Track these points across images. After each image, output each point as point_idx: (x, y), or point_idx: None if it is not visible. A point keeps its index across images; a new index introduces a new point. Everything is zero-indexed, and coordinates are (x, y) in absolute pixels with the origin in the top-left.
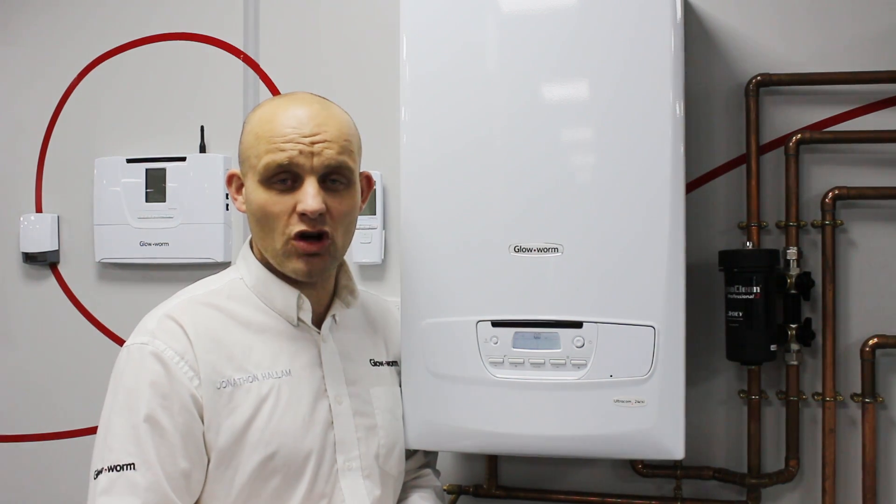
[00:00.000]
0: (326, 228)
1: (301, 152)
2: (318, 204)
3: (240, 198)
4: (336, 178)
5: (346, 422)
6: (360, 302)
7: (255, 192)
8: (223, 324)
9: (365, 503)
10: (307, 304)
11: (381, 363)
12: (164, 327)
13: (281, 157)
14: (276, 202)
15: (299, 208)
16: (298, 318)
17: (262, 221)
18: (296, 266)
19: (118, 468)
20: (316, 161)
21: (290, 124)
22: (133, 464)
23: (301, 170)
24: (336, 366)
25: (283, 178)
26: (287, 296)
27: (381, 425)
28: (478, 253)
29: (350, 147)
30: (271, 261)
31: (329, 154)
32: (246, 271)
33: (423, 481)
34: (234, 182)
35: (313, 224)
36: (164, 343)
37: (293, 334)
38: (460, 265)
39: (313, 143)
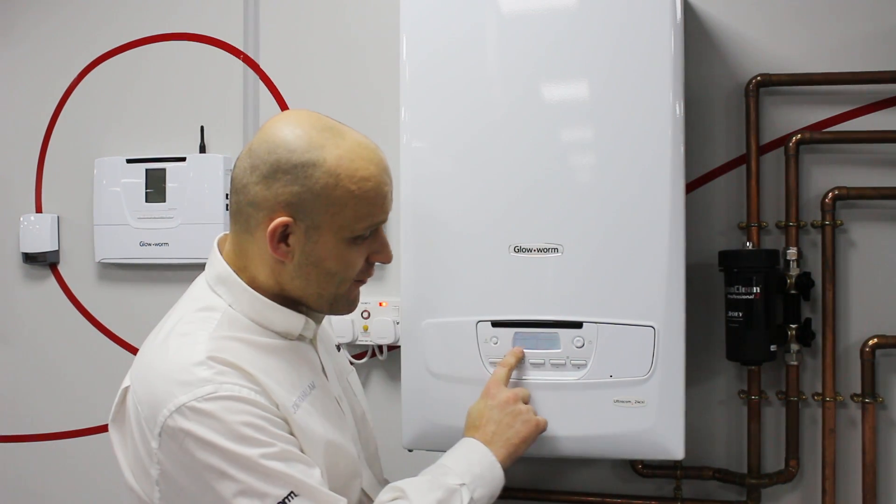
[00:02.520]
0: None
1: (390, 207)
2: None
3: (282, 246)
4: None
5: (349, 418)
6: None
7: (340, 250)
8: (253, 353)
9: (378, 491)
10: (311, 325)
11: (339, 347)
12: (220, 370)
13: (384, 217)
14: (360, 256)
15: (382, 259)
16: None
17: (338, 274)
18: (355, 303)
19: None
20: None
21: (384, 180)
22: (292, 492)
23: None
24: (331, 367)
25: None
26: (290, 320)
27: (366, 410)
28: (478, 253)
29: None
30: (319, 304)
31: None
32: (233, 299)
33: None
34: (281, 230)
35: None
36: (233, 384)
37: (296, 347)
38: (460, 265)
39: (391, 195)
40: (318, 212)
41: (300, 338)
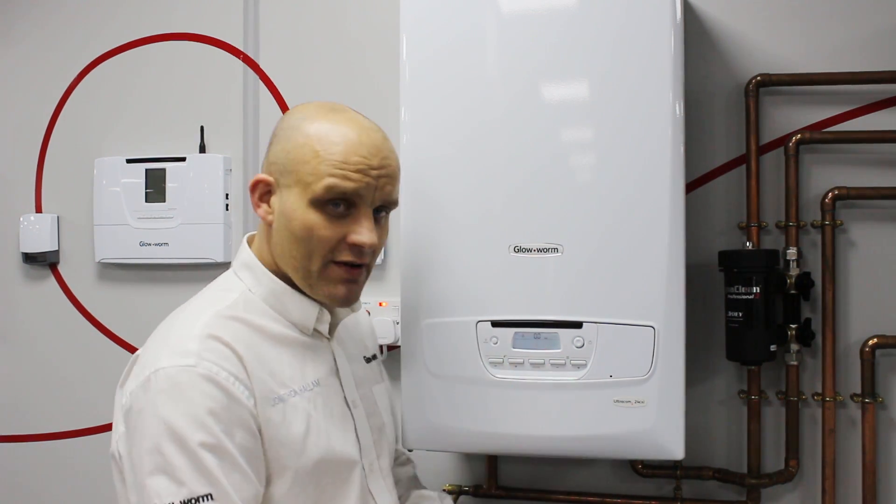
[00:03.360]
0: (367, 260)
1: (367, 185)
2: (375, 238)
3: (264, 206)
4: (383, 209)
5: (363, 425)
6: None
7: (303, 212)
8: (255, 339)
9: (390, 501)
10: (326, 316)
11: (371, 358)
12: (210, 347)
13: (348, 186)
14: (327, 227)
15: (354, 239)
16: (314, 329)
17: (304, 242)
18: (335, 291)
19: (194, 501)
20: (376, 195)
21: (360, 152)
22: (210, 494)
23: (360, 200)
24: (348, 371)
25: (338, 202)
26: (306, 309)
27: (387, 423)
28: (478, 253)
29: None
30: (300, 281)
31: (388, 190)
32: (254, 283)
33: (403, 459)
34: (260, 188)
35: (361, 256)
36: (215, 364)
37: (310, 343)
38: (460, 265)
39: (378, 178)
40: (287, 169)
41: (317, 334)
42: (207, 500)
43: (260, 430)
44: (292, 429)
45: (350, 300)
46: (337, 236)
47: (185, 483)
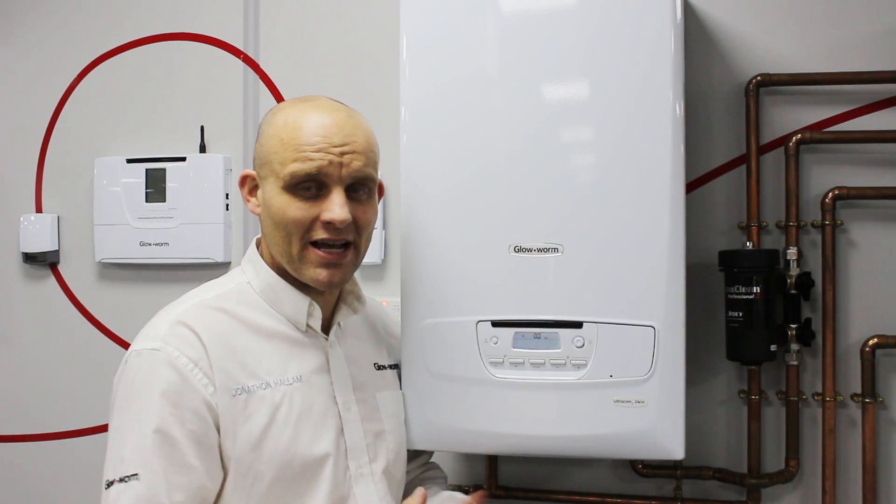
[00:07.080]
0: (350, 238)
1: (331, 162)
2: (346, 214)
3: (253, 200)
4: (360, 188)
5: (355, 428)
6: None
7: (278, 198)
8: (235, 329)
9: None
10: (318, 311)
11: (384, 367)
12: (176, 333)
13: (310, 167)
14: (300, 209)
15: (326, 217)
16: (307, 325)
17: (281, 227)
18: (315, 274)
19: (126, 479)
20: (344, 171)
21: (319, 132)
22: (137, 474)
23: (329, 179)
24: (343, 372)
25: (308, 185)
26: (297, 302)
27: (389, 430)
28: (478, 253)
29: (375, 158)
30: (287, 267)
31: (357, 165)
32: (254, 275)
33: (433, 473)
34: (248, 183)
35: (337, 233)
36: (176, 349)
37: (301, 340)
38: (460, 265)
39: (343, 154)
40: (264, 161)
41: (312, 333)
42: (133, 478)
43: (217, 421)
44: (252, 420)
45: (333, 283)
46: (310, 216)
47: (124, 461)
